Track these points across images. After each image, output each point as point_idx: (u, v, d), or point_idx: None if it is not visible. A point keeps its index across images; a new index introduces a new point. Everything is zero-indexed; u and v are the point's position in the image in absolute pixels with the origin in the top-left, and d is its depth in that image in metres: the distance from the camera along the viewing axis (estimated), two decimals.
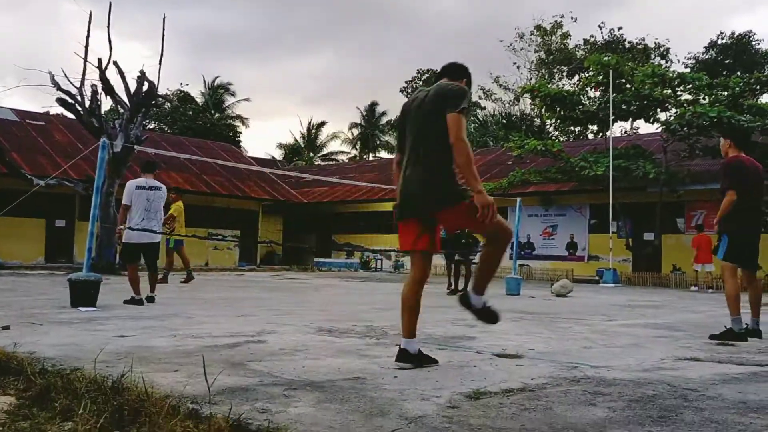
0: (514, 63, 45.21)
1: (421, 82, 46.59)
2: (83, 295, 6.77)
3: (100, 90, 15.08)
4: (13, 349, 3.79)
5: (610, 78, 19.06)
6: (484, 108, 43.01)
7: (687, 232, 20.50)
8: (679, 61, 37.41)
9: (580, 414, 2.66)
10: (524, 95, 26.86)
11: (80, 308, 6.63)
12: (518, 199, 13.61)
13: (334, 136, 48.40)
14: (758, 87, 20.46)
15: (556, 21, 37.46)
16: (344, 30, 77.85)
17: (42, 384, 3.22)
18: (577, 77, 36.13)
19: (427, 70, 46.78)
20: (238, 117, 43.08)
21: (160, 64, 15.18)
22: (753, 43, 35.22)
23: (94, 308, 6.72)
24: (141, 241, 7.70)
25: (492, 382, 3.30)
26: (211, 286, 12.06)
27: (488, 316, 3.94)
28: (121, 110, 15.41)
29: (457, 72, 3.91)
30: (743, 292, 5.68)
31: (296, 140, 48.24)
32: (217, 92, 42.57)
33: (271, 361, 3.81)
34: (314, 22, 76.96)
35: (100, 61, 14.97)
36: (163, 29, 16.46)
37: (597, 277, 18.68)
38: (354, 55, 77.68)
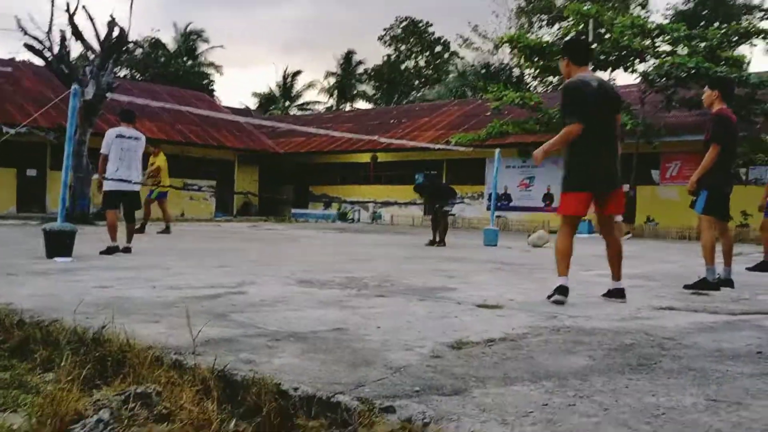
0: (494, 12, 44.72)
1: (399, 30, 45.87)
2: (58, 245, 6.67)
3: (69, 35, 14.59)
4: None
5: (590, 28, 18.91)
6: (463, 58, 42.62)
7: (661, 184, 20.76)
8: (658, 11, 37.23)
9: (561, 362, 2.71)
10: (503, 45, 26.57)
11: (56, 259, 6.54)
12: (497, 150, 13.60)
13: (310, 85, 47.67)
14: (735, 38, 20.45)
15: None
16: None
17: (20, 335, 3.19)
18: (557, 26, 35.82)
19: (406, 18, 46.06)
20: (212, 64, 42.16)
21: (130, 9, 14.72)
22: None
23: (70, 259, 6.63)
24: (119, 188, 7.65)
25: (474, 332, 3.33)
26: (189, 236, 11.97)
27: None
28: (91, 56, 14.94)
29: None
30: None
31: (271, 89, 47.47)
32: (189, 39, 41.47)
33: (253, 313, 3.81)
34: None
35: (68, 5, 14.44)
36: None
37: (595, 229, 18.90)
38: (331, 1, 75.94)
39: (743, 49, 24.75)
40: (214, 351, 2.79)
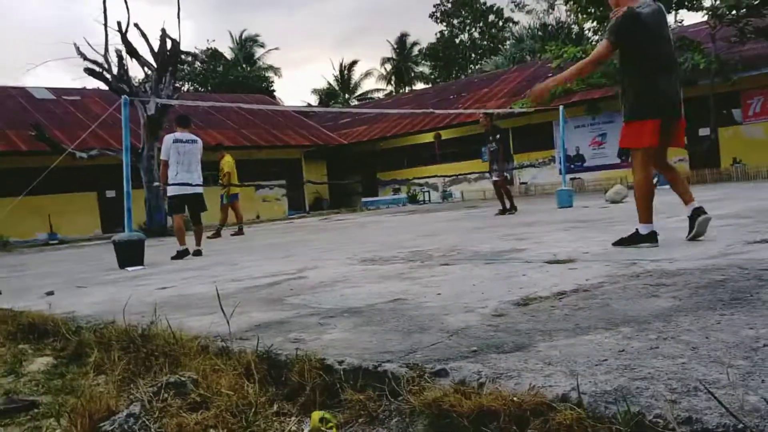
0: None
1: (449, 4, 45.04)
2: (129, 255, 6.77)
3: (124, 54, 14.96)
4: (50, 311, 3.73)
5: None
6: (518, 22, 41.45)
7: (745, 122, 19.44)
8: None
9: (641, 306, 2.40)
10: (558, 1, 25.57)
11: (128, 268, 6.63)
12: (560, 106, 13.01)
13: (367, 74, 47.66)
14: None
15: None
16: None
17: (76, 341, 3.15)
18: None
19: None
20: (270, 68, 42.74)
21: (178, 18, 14.91)
22: None
23: (142, 267, 6.72)
24: (183, 192, 7.74)
25: (542, 288, 3.05)
26: (260, 234, 12.08)
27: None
28: (149, 72, 15.29)
29: None
30: None
31: (330, 84, 47.71)
32: (245, 45, 42.19)
33: (310, 295, 3.65)
34: None
35: (119, 24, 14.81)
36: None
37: (654, 181, 18.00)
38: None
39: None
40: (263, 334, 2.63)
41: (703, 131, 19.66)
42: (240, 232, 12.32)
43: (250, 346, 2.41)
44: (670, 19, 27.75)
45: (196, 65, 34.35)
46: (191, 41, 67.84)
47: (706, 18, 19.12)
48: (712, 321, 2.04)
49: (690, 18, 31.53)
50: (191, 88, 36.35)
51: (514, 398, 1.52)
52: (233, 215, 12.71)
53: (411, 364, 1.90)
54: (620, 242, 4.41)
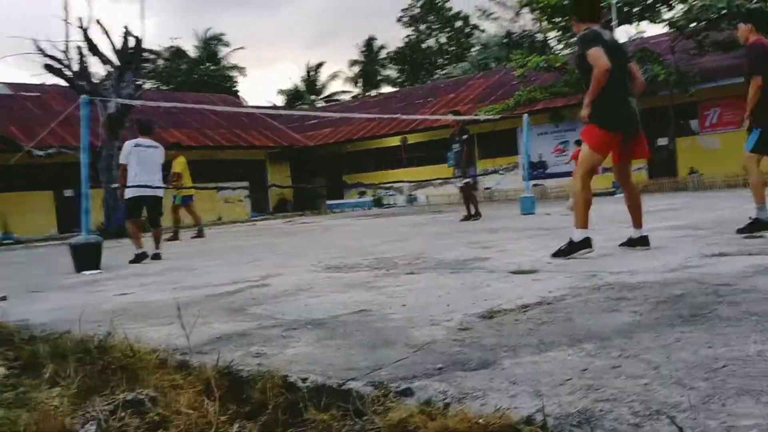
0: None
1: (417, 9, 45.23)
2: (85, 258, 6.61)
3: (85, 51, 14.63)
4: (2, 318, 3.61)
5: None
6: (484, 30, 41.83)
7: (702, 133, 19.94)
8: None
9: (603, 322, 2.42)
10: (523, 9, 25.89)
11: (85, 272, 6.47)
12: (525, 115, 13.15)
13: (334, 76, 47.48)
14: None
15: None
16: None
17: (29, 351, 3.05)
18: None
19: None
20: (235, 67, 42.30)
21: (141, 16, 14.66)
22: None
23: (99, 271, 6.56)
24: (141, 194, 7.60)
25: (507, 300, 3.06)
26: (222, 237, 11.91)
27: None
28: (110, 70, 14.97)
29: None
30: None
31: (296, 85, 47.43)
32: (210, 44, 41.66)
33: (272, 304, 3.60)
34: None
35: (81, 20, 14.48)
36: None
37: (613, 189, 18.30)
38: None
39: None
40: (224, 347, 2.59)
41: (662, 141, 20.10)
42: (200, 235, 12.10)
43: (210, 361, 2.35)
44: (632, 29, 28.37)
45: (158, 63, 33.77)
46: (155, 39, 66.80)
47: (666, 30, 19.57)
48: (672, 339, 2.07)
49: (651, 29, 32.26)
50: (153, 86, 35.74)
51: (480, 420, 1.51)
52: (187, 216, 12.46)
53: (376, 382, 1.88)
54: (558, 253, 4.51)
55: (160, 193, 7.88)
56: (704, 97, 18.99)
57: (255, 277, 4.96)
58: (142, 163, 7.65)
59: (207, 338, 2.78)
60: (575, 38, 4.75)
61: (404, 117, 15.92)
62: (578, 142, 13.00)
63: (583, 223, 4.41)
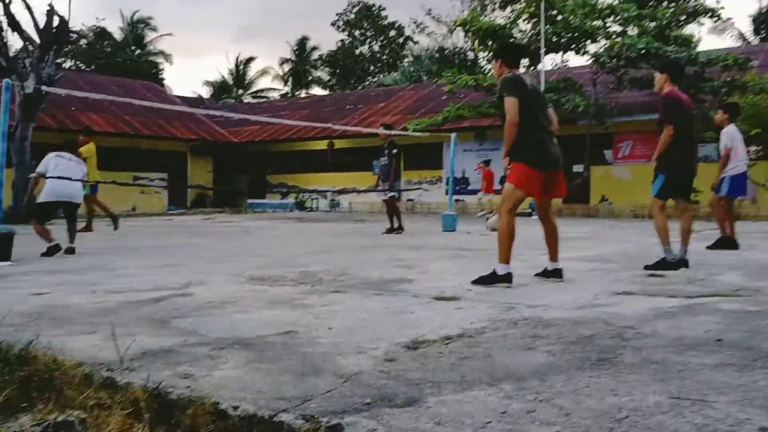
0: None
1: (352, 15, 45.43)
2: None
3: (5, 26, 13.89)
4: None
5: (542, 9, 18.90)
6: (417, 42, 42.45)
7: (615, 163, 21.02)
8: None
9: (519, 360, 2.59)
10: (457, 29, 26.48)
11: None
12: (453, 134, 13.51)
13: (263, 72, 46.93)
14: (684, 18, 20.76)
15: None
16: None
17: None
18: (509, 8, 35.84)
19: (358, 2, 45.58)
20: (161, 53, 41.10)
21: None
22: None
23: (9, 263, 6.29)
24: (59, 200, 7.39)
25: (430, 329, 3.20)
26: (137, 233, 11.58)
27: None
28: (31, 48, 14.28)
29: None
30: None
31: (224, 78, 46.57)
32: (136, 27, 40.32)
33: (197, 317, 3.60)
34: None
35: None
36: None
37: (529, 210, 18.99)
38: None
39: (691, 28, 25.08)
40: (151, 365, 2.59)
41: (578, 168, 21.04)
42: (88, 229, 11.30)
43: (138, 379, 2.36)
44: (557, 58, 29.55)
45: (81, 43, 32.36)
46: (79, 17, 63.87)
47: (589, 62, 20.50)
48: (582, 384, 2.25)
49: (575, 60, 33.80)
50: (73, 65, 34.23)
51: None
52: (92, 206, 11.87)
53: (307, 415, 1.95)
54: (479, 281, 4.72)
55: (80, 198, 7.73)
56: (619, 129, 20.04)
57: (177, 284, 4.91)
58: (61, 171, 7.44)
59: (132, 353, 2.76)
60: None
61: (336, 127, 15.98)
62: (495, 168, 13.43)
63: (506, 258, 4.62)
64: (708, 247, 7.39)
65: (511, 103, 4.60)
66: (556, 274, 4.96)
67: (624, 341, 2.88)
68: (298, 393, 2.21)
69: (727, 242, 7.47)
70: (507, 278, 4.62)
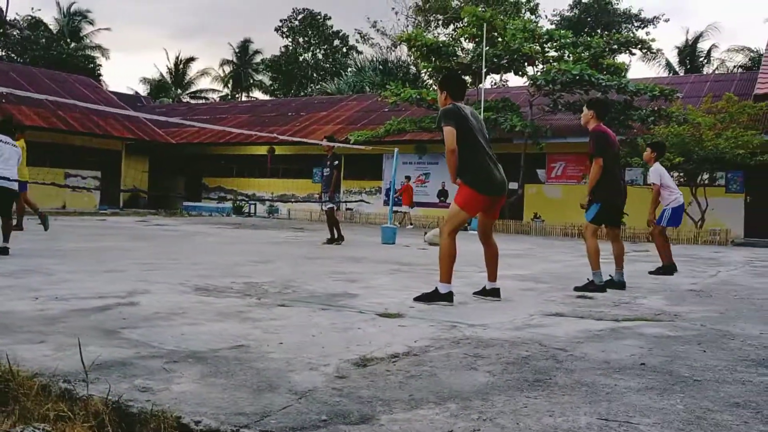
0: (393, 8, 45.07)
1: (297, 22, 45.36)
2: None
3: None
4: None
5: (484, 31, 19.47)
6: (361, 53, 42.76)
7: (547, 183, 21.79)
8: (546, 17, 38.94)
9: (463, 380, 2.77)
10: (401, 43, 26.89)
11: None
12: (396, 149, 13.77)
13: (204, 73, 46.31)
14: (616, 47, 21.78)
15: None
16: None
17: None
18: (452, 27, 36.61)
19: (303, 9, 45.58)
20: (98, 47, 39.96)
21: None
22: (613, 3, 37.24)
23: None
24: None
25: (377, 347, 3.35)
26: (70, 234, 11.30)
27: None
28: None
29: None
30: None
31: (163, 76, 45.64)
32: (73, 19, 39.08)
33: (146, 328, 3.64)
34: None
35: None
36: None
37: (466, 225, 19.47)
38: None
39: (623, 57, 26.32)
40: (106, 377, 2.64)
41: (512, 185, 21.71)
42: (18, 227, 11.04)
43: (96, 392, 2.42)
44: (497, 77, 30.36)
45: (14, 33, 31.13)
46: (13, 7, 61.29)
47: (527, 85, 21.22)
48: (520, 404, 2.45)
49: (513, 80, 34.77)
50: (5, 56, 32.84)
51: None
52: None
53: (267, 431, 2.07)
54: (421, 298, 4.92)
55: (15, 185, 7.47)
56: (553, 150, 20.83)
57: (121, 291, 4.90)
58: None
59: (87, 365, 2.80)
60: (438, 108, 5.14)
61: (282, 138, 15.96)
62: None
63: (447, 277, 4.82)
64: (650, 272, 7.83)
65: (447, 132, 4.80)
66: (493, 293, 5.20)
67: (558, 363, 3.11)
68: (256, 409, 2.31)
69: (669, 268, 7.91)
70: (448, 297, 4.82)
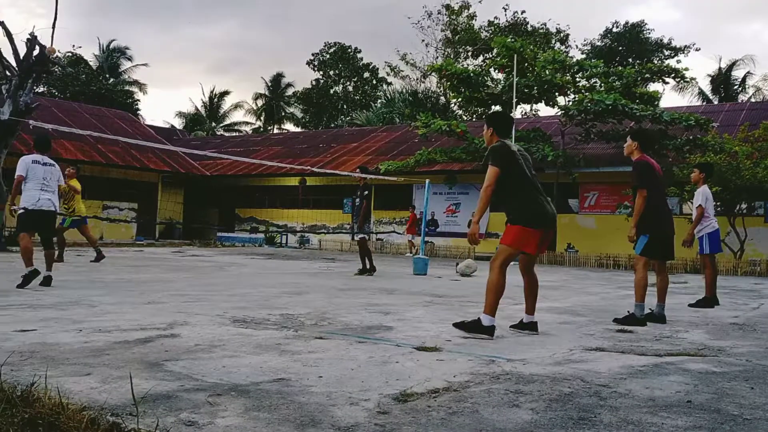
0: (422, 40, 45.54)
1: (327, 56, 46.10)
2: None
3: None
4: None
5: (515, 62, 19.57)
6: (391, 84, 43.20)
7: (580, 212, 21.59)
8: (576, 46, 38.98)
9: (506, 417, 2.75)
10: (431, 74, 27.13)
11: None
12: (427, 180, 13.81)
13: (237, 106, 47.23)
14: (649, 76, 21.68)
15: (464, 1, 37.96)
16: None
17: None
18: (481, 58, 36.87)
19: (334, 43, 46.36)
20: (136, 82, 41.09)
21: (53, 27, 14.11)
22: (645, 31, 37.15)
23: None
24: (41, 207, 7.43)
25: (417, 381, 3.34)
26: (110, 265, 11.51)
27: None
28: (9, 75, 14.26)
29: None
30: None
31: (197, 109, 46.66)
32: (112, 56, 40.32)
33: (188, 360, 3.69)
34: None
35: None
36: None
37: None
38: (260, 24, 75.65)
39: (656, 86, 26.16)
40: (153, 410, 2.68)
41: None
42: (99, 256, 11.74)
43: (143, 425, 2.46)
44: (527, 107, 30.39)
45: (56, 69, 32.23)
46: (56, 45, 63.38)
47: (559, 114, 21.20)
48: None
49: (544, 110, 34.79)
50: (47, 92, 33.96)
51: None
52: (72, 236, 12.06)
53: None
54: (461, 326, 4.88)
55: (55, 208, 7.72)
56: (585, 180, 20.66)
57: (162, 323, 4.97)
58: (39, 178, 7.51)
59: (131, 397, 2.84)
60: (482, 110, 5.24)
61: (314, 169, 16.14)
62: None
63: (491, 309, 4.76)
64: (690, 305, 7.68)
65: (491, 172, 4.87)
66: (531, 327, 5.15)
67: (601, 400, 3.06)
68: None
69: (710, 300, 7.72)
70: (489, 331, 4.75)
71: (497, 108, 22.97)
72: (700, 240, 7.92)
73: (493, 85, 21.94)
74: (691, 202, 8.16)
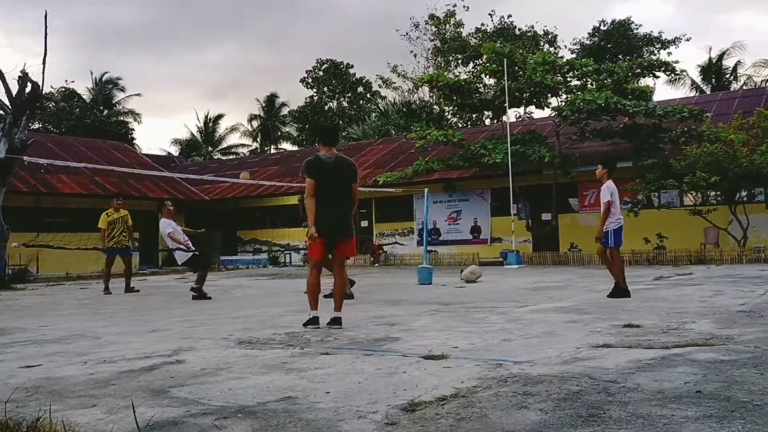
0: (411, 51, 45.69)
1: (321, 72, 46.29)
2: None
3: None
4: None
5: (505, 66, 19.64)
6: (385, 97, 43.34)
7: (581, 211, 21.57)
8: (566, 47, 39.08)
9: (514, 419, 2.73)
10: (423, 85, 27.23)
11: None
12: (426, 189, 13.82)
13: (233, 129, 47.40)
14: (639, 71, 21.73)
15: (449, 10, 38.16)
16: (240, 22, 76.10)
17: None
18: (471, 64, 37.01)
19: (326, 60, 46.54)
20: (130, 112, 41.27)
21: (44, 63, 14.18)
22: (632, 28, 37.30)
23: None
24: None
25: (424, 390, 3.32)
26: (115, 296, 11.50)
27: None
28: (2, 113, 14.32)
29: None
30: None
31: (193, 135, 46.81)
32: (105, 88, 40.52)
33: (194, 385, 3.67)
34: (207, 15, 74.81)
35: None
36: (45, 27, 15.21)
37: (501, 259, 19.28)
38: (251, 47, 76.11)
39: (647, 81, 26.18)
40: None
41: (546, 216, 21.56)
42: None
43: None
44: (520, 110, 30.44)
45: (50, 105, 32.40)
46: (48, 80, 63.88)
47: (552, 115, 21.24)
48: None
49: (538, 112, 34.81)
50: (42, 127, 34.10)
51: None
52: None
53: None
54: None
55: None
56: (584, 178, 20.63)
57: (166, 350, 4.95)
58: None
59: (140, 426, 2.83)
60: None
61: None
62: None
63: (314, 305, 6.03)
64: (608, 296, 8.13)
65: (306, 183, 5.81)
66: (336, 322, 5.89)
67: (610, 396, 3.04)
68: None
69: (623, 291, 8.08)
70: (313, 321, 5.88)
71: (489, 113, 23.05)
72: (605, 234, 8.26)
73: (485, 91, 22.01)
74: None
